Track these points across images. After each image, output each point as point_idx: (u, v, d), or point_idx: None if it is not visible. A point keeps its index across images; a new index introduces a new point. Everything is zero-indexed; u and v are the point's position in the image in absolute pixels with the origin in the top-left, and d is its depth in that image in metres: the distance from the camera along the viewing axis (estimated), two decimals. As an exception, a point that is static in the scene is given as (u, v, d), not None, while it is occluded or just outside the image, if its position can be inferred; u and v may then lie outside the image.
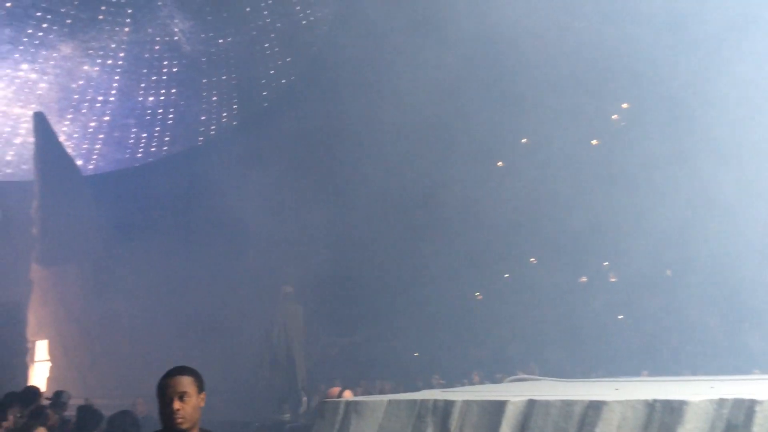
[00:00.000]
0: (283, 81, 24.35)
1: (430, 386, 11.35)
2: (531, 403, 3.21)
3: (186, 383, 3.08)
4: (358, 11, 19.85)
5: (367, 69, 19.03)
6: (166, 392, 3.04)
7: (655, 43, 15.71)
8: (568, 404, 3.10)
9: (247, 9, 22.93)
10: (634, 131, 17.11)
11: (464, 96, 18.04)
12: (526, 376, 5.39)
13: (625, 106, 18.57)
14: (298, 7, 22.94)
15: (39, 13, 21.51)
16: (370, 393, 10.34)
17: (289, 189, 19.36)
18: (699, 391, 3.24)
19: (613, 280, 17.97)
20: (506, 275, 19.25)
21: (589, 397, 3.12)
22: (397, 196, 18.71)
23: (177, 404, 3.02)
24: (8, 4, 20.80)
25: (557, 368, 11.88)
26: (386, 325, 18.91)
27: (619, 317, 16.50)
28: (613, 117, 18.71)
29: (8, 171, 23.37)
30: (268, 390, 14.81)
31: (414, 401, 3.63)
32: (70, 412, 7.53)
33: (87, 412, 6.12)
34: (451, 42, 17.40)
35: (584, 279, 18.51)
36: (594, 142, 18.47)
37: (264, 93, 24.55)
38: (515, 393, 3.74)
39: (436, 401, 3.53)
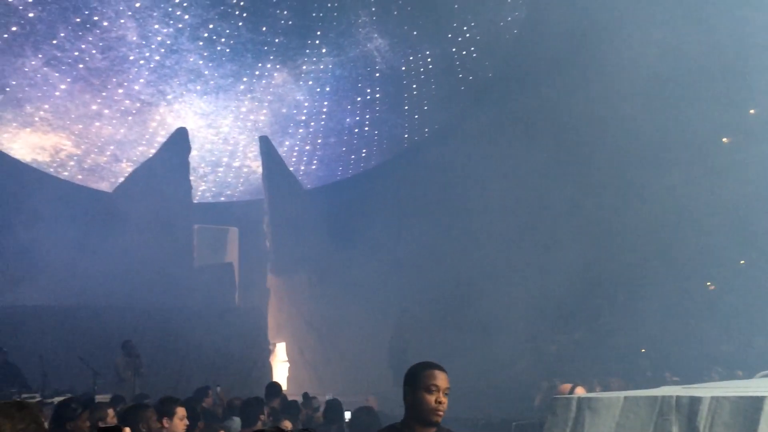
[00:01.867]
0: (478, 82, 24.36)
1: (663, 383, 10.66)
2: (795, 400, 2.92)
3: (449, 380, 3.00)
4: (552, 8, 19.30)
5: (565, 63, 18.43)
6: (436, 383, 2.92)
7: None
8: (841, 401, 2.77)
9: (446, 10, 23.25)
10: None
11: (676, 78, 16.74)
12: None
13: None
14: (491, 3, 22.84)
15: (256, 46, 23.78)
16: (592, 390, 9.98)
17: (497, 187, 19.30)
18: None
19: None
20: (742, 261, 17.40)
21: None
22: (614, 185, 17.86)
23: (444, 398, 2.93)
24: (232, 42, 23.25)
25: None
26: (608, 320, 18.06)
27: None
28: None
29: (229, 192, 26.03)
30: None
31: (654, 398, 3.47)
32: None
33: (336, 404, 6.72)
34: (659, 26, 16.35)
35: None
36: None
37: (462, 89, 24.62)
38: (772, 389, 3.41)
39: (679, 398, 3.34)
